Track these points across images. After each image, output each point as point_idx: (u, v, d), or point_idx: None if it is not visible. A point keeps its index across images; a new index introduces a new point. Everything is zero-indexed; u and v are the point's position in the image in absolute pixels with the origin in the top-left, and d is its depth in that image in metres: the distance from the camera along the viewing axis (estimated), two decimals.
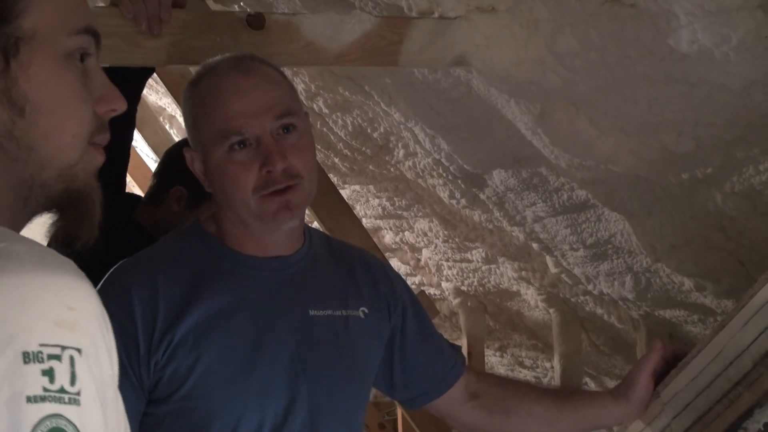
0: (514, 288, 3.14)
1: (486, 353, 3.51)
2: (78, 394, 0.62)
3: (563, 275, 2.67)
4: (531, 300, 3.11)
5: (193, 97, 1.39)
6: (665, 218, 2.06)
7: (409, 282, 2.82)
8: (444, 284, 3.47)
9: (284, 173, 1.32)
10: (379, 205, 3.17)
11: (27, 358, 0.60)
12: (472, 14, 1.66)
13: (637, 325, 2.68)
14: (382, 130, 2.52)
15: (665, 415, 1.43)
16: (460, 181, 2.49)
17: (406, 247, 3.46)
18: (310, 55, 1.56)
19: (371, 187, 3.06)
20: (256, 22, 1.49)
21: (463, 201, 2.62)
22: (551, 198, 2.28)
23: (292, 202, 1.35)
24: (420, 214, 3.05)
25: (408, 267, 3.53)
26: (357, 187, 3.14)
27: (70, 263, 0.69)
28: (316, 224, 2.57)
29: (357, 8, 1.87)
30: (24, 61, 0.77)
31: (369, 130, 2.57)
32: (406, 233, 3.32)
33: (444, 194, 2.66)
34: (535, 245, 2.60)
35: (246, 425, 1.36)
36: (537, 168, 2.19)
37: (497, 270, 3.10)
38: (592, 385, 3.48)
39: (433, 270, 3.45)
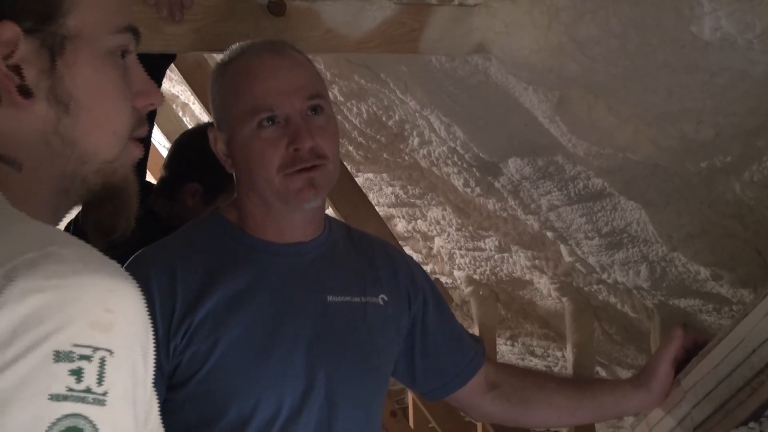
0: (527, 277, 3.14)
1: (497, 342, 3.51)
2: (104, 394, 0.63)
3: (577, 264, 2.67)
4: (544, 289, 3.11)
5: (223, 76, 1.39)
6: (683, 207, 2.06)
7: None
8: (456, 273, 3.47)
9: (311, 152, 1.33)
10: (392, 193, 3.16)
11: (58, 357, 0.62)
12: (492, 1, 1.66)
13: (651, 314, 2.67)
14: (397, 118, 2.52)
15: (686, 403, 1.43)
16: (475, 170, 2.49)
17: (418, 236, 3.46)
18: (330, 43, 1.56)
19: (385, 175, 3.05)
20: (276, 8, 1.50)
21: (477, 189, 2.62)
22: (567, 187, 2.27)
23: (317, 181, 1.35)
24: (433, 202, 3.04)
25: (420, 255, 3.53)
26: (370, 176, 3.14)
27: (113, 265, 0.70)
28: (331, 212, 2.57)
29: None
30: (69, 60, 0.78)
31: (384, 118, 2.57)
32: (419, 221, 3.32)
33: (458, 182, 2.66)
34: (549, 234, 2.60)
35: (264, 409, 1.36)
36: (553, 157, 2.19)
37: (510, 259, 3.10)
38: (603, 374, 3.48)
39: (446, 258, 3.45)
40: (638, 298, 2.69)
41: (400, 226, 3.47)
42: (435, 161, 2.63)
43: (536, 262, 2.95)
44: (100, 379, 0.63)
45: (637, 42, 1.58)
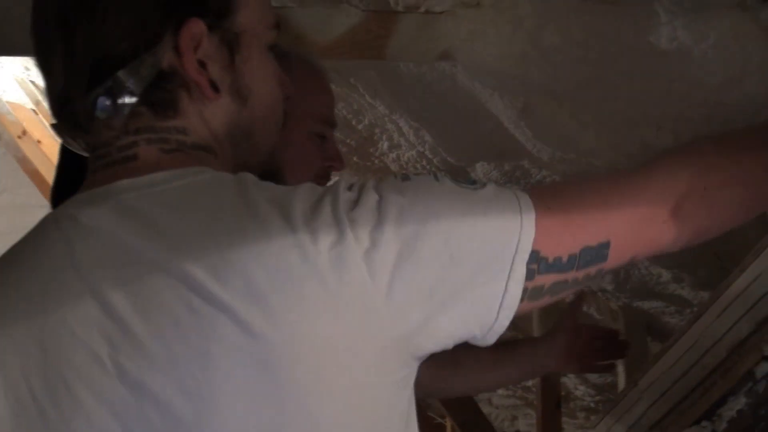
0: None
1: None
2: None
3: None
4: None
5: (289, 72, 1.38)
6: None
7: None
8: None
9: (331, 174, 1.37)
10: None
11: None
12: (457, 9, 1.69)
13: (616, 316, 2.72)
14: (366, 122, 2.54)
15: (642, 403, 1.47)
16: (443, 174, 2.52)
17: None
18: (299, 48, 1.58)
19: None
20: None
21: None
22: None
23: None
24: None
25: None
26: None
27: None
28: None
29: (344, 2, 1.90)
30: (245, 55, 0.82)
31: (354, 122, 2.59)
32: None
33: None
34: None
35: None
36: (519, 161, 2.22)
37: None
38: (571, 376, 3.52)
39: None
40: (603, 300, 2.73)
41: None
42: (404, 165, 2.66)
43: None
44: None
45: (598, 50, 1.62)
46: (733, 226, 0.88)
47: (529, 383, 3.57)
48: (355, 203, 0.71)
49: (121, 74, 0.77)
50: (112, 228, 0.72)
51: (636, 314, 2.62)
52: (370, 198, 0.71)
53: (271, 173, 0.92)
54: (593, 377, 3.41)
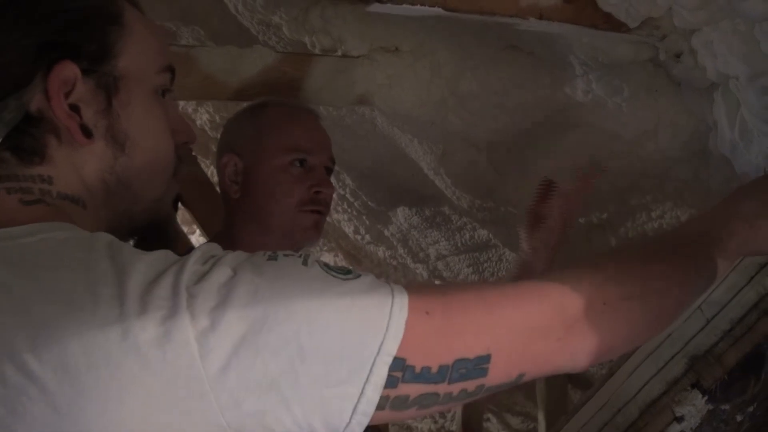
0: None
1: None
2: None
3: None
4: None
5: (263, 113, 1.43)
6: (563, 261, 2.09)
7: None
8: None
9: (324, 199, 1.42)
10: None
11: None
12: (375, 53, 1.66)
13: None
14: None
15: None
16: (365, 217, 2.48)
17: None
18: (208, 89, 1.52)
19: None
20: None
21: (367, 237, 2.61)
22: (454, 237, 2.28)
23: (320, 225, 1.43)
24: (325, 248, 3.02)
25: None
26: None
27: None
28: None
29: (261, 42, 1.85)
30: (123, 100, 0.78)
31: None
32: None
33: (349, 230, 2.64)
34: (438, 283, 2.60)
35: None
36: (440, 207, 2.20)
37: None
38: (494, 422, 3.49)
39: None
40: None
41: None
42: None
43: None
44: None
45: (515, 99, 1.60)
46: (629, 348, 0.83)
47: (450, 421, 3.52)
48: (202, 277, 0.65)
49: None
50: None
51: None
52: (221, 273, 0.65)
53: (159, 222, 0.88)
54: (515, 423, 3.39)
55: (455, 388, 0.69)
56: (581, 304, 0.75)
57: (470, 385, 0.70)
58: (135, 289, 0.63)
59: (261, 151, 1.42)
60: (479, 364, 0.69)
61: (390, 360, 0.65)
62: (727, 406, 1.21)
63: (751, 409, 1.19)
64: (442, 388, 0.69)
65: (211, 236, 1.51)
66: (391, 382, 0.66)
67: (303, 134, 1.42)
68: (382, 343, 0.65)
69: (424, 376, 0.67)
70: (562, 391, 2.77)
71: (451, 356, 0.68)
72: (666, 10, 1.16)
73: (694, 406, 1.22)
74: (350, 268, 0.71)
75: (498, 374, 0.71)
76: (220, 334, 0.62)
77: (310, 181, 1.40)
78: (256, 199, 1.41)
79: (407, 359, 0.66)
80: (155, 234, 0.86)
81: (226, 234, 1.44)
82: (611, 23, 1.20)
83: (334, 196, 2.47)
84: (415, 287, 0.70)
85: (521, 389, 3.12)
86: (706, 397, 1.22)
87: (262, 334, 0.63)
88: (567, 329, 0.74)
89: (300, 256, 0.70)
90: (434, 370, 0.68)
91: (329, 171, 1.45)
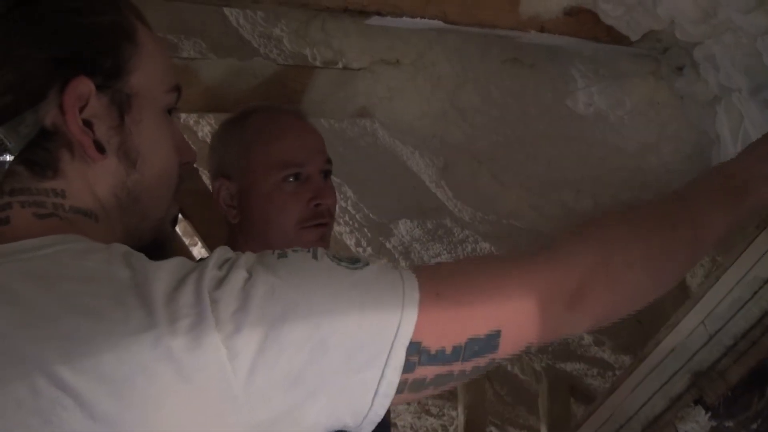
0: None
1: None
2: None
3: None
4: None
5: (244, 128, 1.35)
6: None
7: None
8: None
9: (326, 210, 1.34)
10: None
11: None
12: (376, 66, 1.66)
13: (540, 377, 2.68)
14: None
15: None
16: (366, 230, 2.47)
17: None
18: (209, 102, 1.52)
19: None
20: None
21: (369, 249, 2.60)
22: (456, 249, 2.28)
23: (326, 237, 1.36)
24: None
25: None
26: None
27: None
28: None
29: (262, 55, 1.85)
30: (136, 117, 0.78)
31: None
32: None
33: (351, 242, 2.64)
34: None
35: None
36: (442, 219, 2.19)
37: None
38: None
39: None
40: (527, 360, 2.70)
41: None
42: None
43: None
44: None
45: (516, 112, 1.60)
46: (635, 310, 0.84)
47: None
48: (221, 282, 0.66)
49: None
50: None
51: (559, 375, 2.59)
52: (238, 276, 0.66)
53: (161, 241, 0.87)
54: None
55: (468, 365, 0.71)
56: (587, 273, 0.77)
57: (482, 361, 0.72)
58: (159, 297, 0.64)
59: (251, 171, 1.34)
60: (491, 341, 0.72)
61: (407, 342, 0.67)
62: (730, 423, 1.19)
63: (755, 425, 1.17)
64: (456, 367, 0.71)
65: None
66: (408, 367, 0.67)
67: (292, 145, 1.34)
68: (398, 327, 0.67)
69: (439, 357, 0.69)
70: (565, 405, 2.76)
71: (464, 336, 0.70)
72: (668, 23, 1.15)
73: (698, 423, 1.21)
74: (358, 256, 0.72)
75: (508, 348, 0.73)
76: (244, 336, 0.63)
77: (307, 194, 1.32)
78: (255, 222, 1.34)
79: (422, 342, 0.68)
80: (158, 253, 0.86)
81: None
82: (613, 36, 1.20)
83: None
84: (423, 270, 0.71)
85: (524, 403, 3.10)
86: (709, 414, 1.21)
87: (284, 331, 0.64)
88: (571, 298, 0.76)
89: (309, 250, 0.71)
90: (449, 351, 0.69)
91: (327, 173, 1.37)
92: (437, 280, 0.71)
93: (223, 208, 1.37)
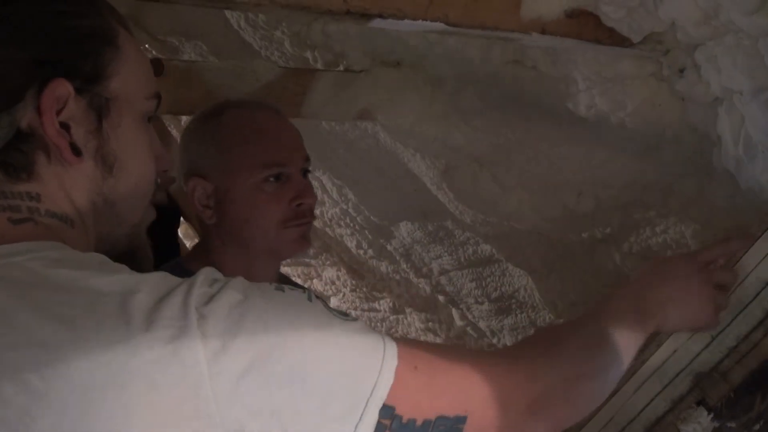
0: (421, 339, 3.12)
1: None
2: None
3: (468, 328, 2.67)
4: None
5: (219, 125, 1.32)
6: (566, 275, 2.08)
7: None
8: None
9: (307, 209, 1.33)
10: None
11: None
12: (377, 68, 1.66)
13: None
14: None
15: None
16: (367, 232, 2.47)
17: None
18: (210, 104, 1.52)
19: None
20: (154, 68, 1.44)
21: (370, 251, 2.60)
22: (457, 251, 2.27)
23: (307, 235, 1.35)
24: (328, 262, 3.01)
25: None
26: None
27: None
28: None
29: (263, 57, 1.85)
30: (114, 122, 0.78)
31: None
32: (315, 281, 3.27)
33: (352, 244, 2.64)
34: (441, 297, 2.59)
35: None
36: (443, 222, 2.19)
37: (405, 320, 3.08)
38: None
39: None
40: None
41: None
42: (328, 222, 2.61)
43: (429, 324, 2.94)
44: None
45: (517, 114, 1.60)
46: (583, 416, 0.92)
47: None
48: (211, 298, 0.66)
49: None
50: None
51: None
52: (231, 296, 0.66)
53: (135, 248, 0.87)
54: None
55: None
56: (545, 382, 0.84)
57: None
58: (140, 308, 0.64)
59: (229, 171, 1.31)
60: (456, 424, 0.74)
61: (380, 404, 0.68)
62: (733, 424, 1.19)
63: (757, 426, 1.17)
64: None
65: (186, 258, 1.41)
66: (379, 430, 0.69)
67: (272, 144, 1.31)
68: (375, 386, 0.69)
69: (409, 427, 0.71)
70: None
71: (434, 412, 0.73)
72: (669, 25, 1.15)
73: (700, 424, 1.21)
74: (346, 311, 0.75)
75: None
76: (231, 357, 0.63)
77: (289, 194, 1.30)
78: (233, 223, 1.31)
79: (396, 408, 0.70)
80: (131, 260, 0.85)
81: (205, 259, 1.32)
82: (614, 38, 1.20)
83: (336, 210, 2.46)
84: (405, 342, 0.74)
85: None
86: (711, 415, 1.21)
87: (270, 363, 0.64)
88: (534, 402, 0.82)
89: (304, 291, 0.72)
90: (419, 423, 0.71)
91: (306, 172, 1.35)
92: (417, 355, 0.74)
93: (198, 209, 1.33)
